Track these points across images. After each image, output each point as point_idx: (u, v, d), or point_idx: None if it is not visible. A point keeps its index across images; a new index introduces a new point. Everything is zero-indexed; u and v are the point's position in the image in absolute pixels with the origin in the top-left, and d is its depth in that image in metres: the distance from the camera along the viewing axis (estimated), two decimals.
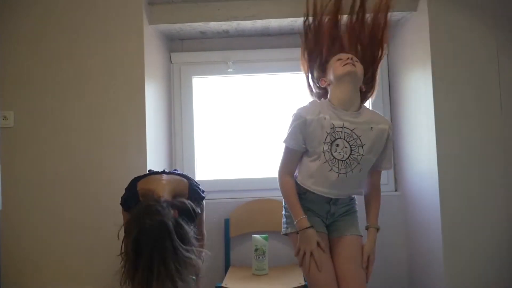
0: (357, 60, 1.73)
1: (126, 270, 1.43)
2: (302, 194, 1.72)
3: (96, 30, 2.12)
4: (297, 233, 1.68)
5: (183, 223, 1.46)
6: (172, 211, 1.47)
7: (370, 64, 1.83)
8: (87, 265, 2.07)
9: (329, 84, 1.76)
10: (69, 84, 2.11)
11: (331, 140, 1.64)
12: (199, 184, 1.77)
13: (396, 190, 2.55)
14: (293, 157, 1.72)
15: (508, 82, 2.03)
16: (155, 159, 2.21)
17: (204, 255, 1.53)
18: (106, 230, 2.07)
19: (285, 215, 1.81)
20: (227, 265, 2.36)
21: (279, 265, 2.37)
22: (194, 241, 1.48)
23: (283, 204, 1.81)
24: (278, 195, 2.43)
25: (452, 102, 2.03)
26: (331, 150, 1.64)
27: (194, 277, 1.73)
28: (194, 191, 1.71)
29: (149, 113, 2.14)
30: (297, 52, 2.54)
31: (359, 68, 1.70)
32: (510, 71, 2.03)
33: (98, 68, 2.11)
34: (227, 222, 2.40)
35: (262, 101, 2.64)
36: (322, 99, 1.80)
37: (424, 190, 2.15)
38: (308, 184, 1.69)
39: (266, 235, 2.28)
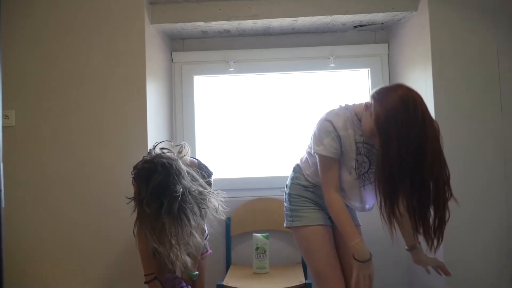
0: None
1: (135, 195, 1.57)
2: (311, 187, 1.74)
3: (98, 29, 2.12)
4: (302, 227, 1.70)
5: (193, 171, 1.64)
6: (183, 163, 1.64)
7: None
8: (88, 264, 2.08)
9: (366, 110, 1.57)
10: (70, 83, 2.12)
11: (357, 154, 1.63)
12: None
13: None
14: (335, 167, 1.63)
15: (508, 81, 2.03)
16: None
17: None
18: (106, 229, 2.08)
19: (290, 208, 1.79)
20: (228, 264, 2.37)
21: (280, 263, 2.38)
22: (205, 185, 1.65)
23: (286, 197, 1.82)
24: (278, 194, 2.47)
25: (452, 102, 2.04)
26: (359, 165, 1.64)
27: (196, 272, 1.77)
28: (203, 166, 1.82)
29: (150, 112, 2.15)
30: (298, 52, 2.58)
31: None
32: (510, 70, 2.03)
33: (100, 67, 2.12)
34: (228, 221, 2.40)
35: (263, 100, 2.64)
36: (346, 105, 1.69)
37: None
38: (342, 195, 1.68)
39: (267, 234, 2.29)
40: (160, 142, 1.78)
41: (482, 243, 2.00)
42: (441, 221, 1.46)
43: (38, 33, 2.12)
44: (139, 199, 1.52)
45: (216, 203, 1.65)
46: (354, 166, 1.63)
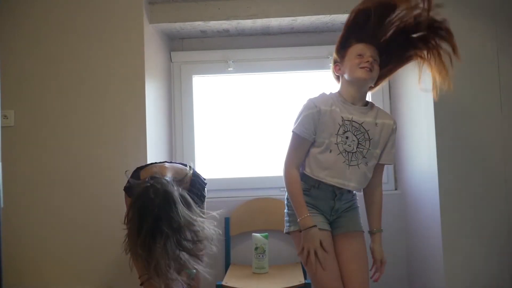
0: (377, 61, 1.68)
1: (129, 237, 1.48)
2: (306, 190, 1.70)
3: (97, 29, 2.12)
4: (300, 231, 1.66)
5: (187, 195, 1.53)
6: (177, 188, 1.52)
7: (395, 64, 1.78)
8: (87, 264, 2.08)
9: (342, 74, 1.75)
10: (69, 83, 2.12)
11: (343, 131, 1.66)
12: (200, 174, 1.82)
13: (396, 189, 2.55)
14: (303, 148, 1.70)
15: (508, 81, 2.02)
16: (155, 158, 2.21)
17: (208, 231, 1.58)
18: (106, 228, 2.08)
19: (287, 213, 1.78)
20: (227, 264, 2.37)
21: (279, 263, 2.38)
22: (199, 211, 1.55)
23: (286, 202, 1.80)
24: (278, 194, 2.47)
25: (452, 101, 2.03)
26: (344, 142, 1.66)
27: (194, 270, 1.75)
28: (196, 176, 1.77)
29: (149, 112, 2.15)
30: (297, 51, 2.58)
31: (375, 73, 1.67)
32: (510, 70, 2.02)
33: (99, 67, 2.12)
34: (227, 220, 2.40)
35: (262, 100, 2.64)
36: (330, 92, 1.78)
37: (424, 188, 2.15)
38: (322, 176, 1.66)
39: (267, 233, 2.29)
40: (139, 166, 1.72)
41: (482, 243, 1.99)
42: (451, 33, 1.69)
43: (37, 33, 2.12)
44: (132, 244, 1.46)
45: (210, 232, 1.57)
46: (335, 142, 1.65)
